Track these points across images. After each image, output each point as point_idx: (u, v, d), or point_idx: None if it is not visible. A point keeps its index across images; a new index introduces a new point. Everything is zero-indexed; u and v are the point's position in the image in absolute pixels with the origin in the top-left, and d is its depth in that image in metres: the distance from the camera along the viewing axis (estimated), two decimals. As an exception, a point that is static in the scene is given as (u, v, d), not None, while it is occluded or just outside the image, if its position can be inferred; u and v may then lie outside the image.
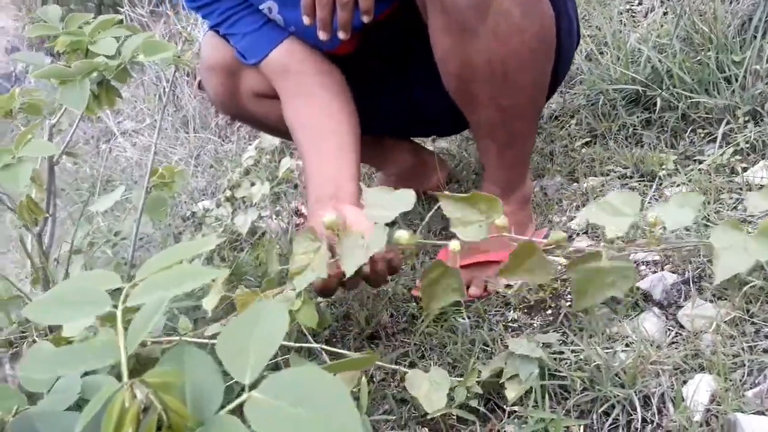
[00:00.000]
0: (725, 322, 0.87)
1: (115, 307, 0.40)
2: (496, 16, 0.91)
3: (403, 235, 0.75)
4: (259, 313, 0.40)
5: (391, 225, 0.74)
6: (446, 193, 0.76)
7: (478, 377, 0.86)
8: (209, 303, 0.79)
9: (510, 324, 1.03)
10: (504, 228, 0.76)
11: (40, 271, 0.81)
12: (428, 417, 0.86)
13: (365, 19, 0.91)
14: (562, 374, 0.85)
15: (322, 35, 0.93)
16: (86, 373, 0.55)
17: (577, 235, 1.22)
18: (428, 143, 1.70)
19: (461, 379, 0.86)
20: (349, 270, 0.71)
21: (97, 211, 1.12)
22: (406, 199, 0.75)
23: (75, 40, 0.71)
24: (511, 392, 0.84)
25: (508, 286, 1.12)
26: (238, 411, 0.36)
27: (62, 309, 0.41)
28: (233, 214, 1.79)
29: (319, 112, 1.05)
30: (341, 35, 0.93)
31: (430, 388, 0.80)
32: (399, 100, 1.33)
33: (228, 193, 1.92)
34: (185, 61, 0.86)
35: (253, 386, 0.36)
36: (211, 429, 0.34)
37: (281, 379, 0.35)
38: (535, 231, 1.23)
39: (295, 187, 1.84)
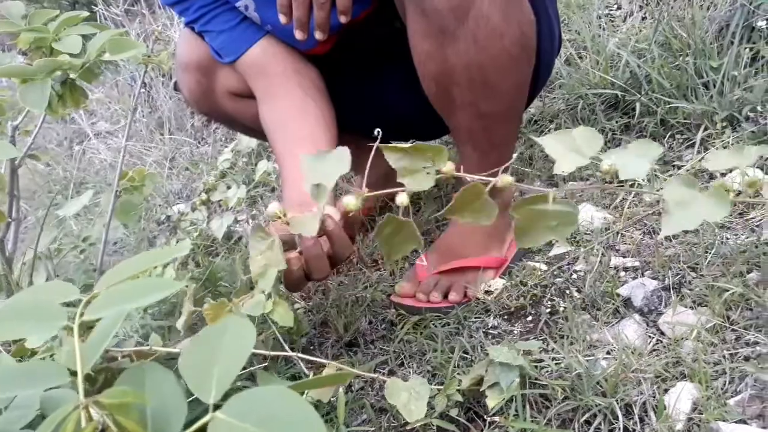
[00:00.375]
0: (706, 329, 0.86)
1: (72, 320, 0.38)
2: (476, 19, 0.89)
3: (350, 200, 0.78)
4: (225, 327, 0.38)
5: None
6: (391, 144, 0.77)
7: (458, 386, 0.84)
8: (180, 324, 0.77)
9: (490, 331, 1.01)
10: (450, 174, 0.76)
11: (1, 278, 0.78)
12: (408, 427, 0.84)
13: (342, 19, 0.89)
14: (542, 383, 0.84)
15: (298, 35, 0.90)
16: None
17: (557, 241, 1.21)
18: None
19: (441, 387, 0.85)
20: (309, 230, 0.72)
21: (66, 215, 1.08)
22: (341, 158, 0.77)
23: (38, 38, 0.68)
24: (492, 401, 0.82)
25: (488, 293, 1.11)
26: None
27: (16, 322, 0.38)
28: (209, 218, 1.76)
29: (296, 113, 1.02)
30: (318, 35, 0.91)
31: (410, 398, 0.78)
32: (374, 102, 1.31)
33: (203, 196, 1.88)
34: (156, 61, 0.83)
35: (218, 406, 0.33)
36: (170, 454, 0.32)
37: (247, 400, 0.33)
38: (513, 240, 1.22)
39: (273, 190, 1.81)
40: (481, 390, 0.84)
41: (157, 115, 2.47)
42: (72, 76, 0.71)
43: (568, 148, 0.76)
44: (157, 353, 0.67)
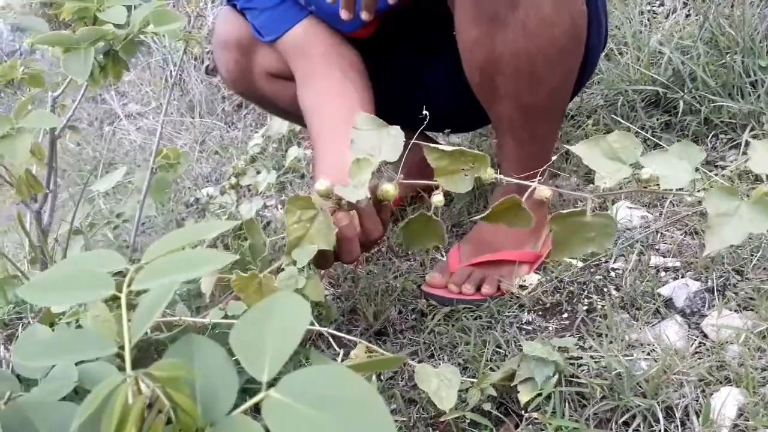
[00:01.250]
0: (753, 333, 0.83)
1: (119, 290, 0.36)
2: (526, 7, 0.87)
3: (389, 188, 0.79)
4: (278, 303, 0.36)
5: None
6: (432, 144, 0.77)
7: (490, 380, 0.82)
8: (205, 285, 0.76)
9: (524, 326, 0.99)
10: (492, 180, 0.75)
11: (37, 250, 0.77)
12: (439, 419, 0.83)
13: (391, 0, 0.87)
14: (580, 381, 0.81)
15: (344, 14, 0.89)
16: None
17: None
18: (440, 138, 1.66)
19: (474, 380, 0.83)
20: (359, 195, 0.73)
21: (98, 191, 1.08)
22: (396, 136, 0.79)
23: (82, 7, 0.67)
24: (524, 396, 0.80)
25: (523, 287, 1.08)
26: (253, 412, 0.32)
27: (61, 290, 0.37)
28: (238, 202, 1.76)
29: (334, 95, 1.00)
30: (364, 16, 0.89)
31: (440, 385, 0.76)
32: (414, 90, 1.28)
33: (233, 180, 1.88)
34: (195, 37, 0.82)
35: (271, 385, 0.32)
36: (223, 430, 0.30)
37: (302, 378, 0.31)
38: (550, 232, 1.19)
39: (302, 177, 1.80)
40: (513, 385, 0.81)
41: (188, 99, 2.47)
42: (115, 47, 0.70)
43: (605, 156, 0.74)
44: (185, 323, 0.66)
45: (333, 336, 0.74)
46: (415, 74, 1.27)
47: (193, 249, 0.38)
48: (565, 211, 0.71)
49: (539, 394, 0.79)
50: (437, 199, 0.78)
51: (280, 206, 1.69)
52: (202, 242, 1.64)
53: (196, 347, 0.34)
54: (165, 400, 0.29)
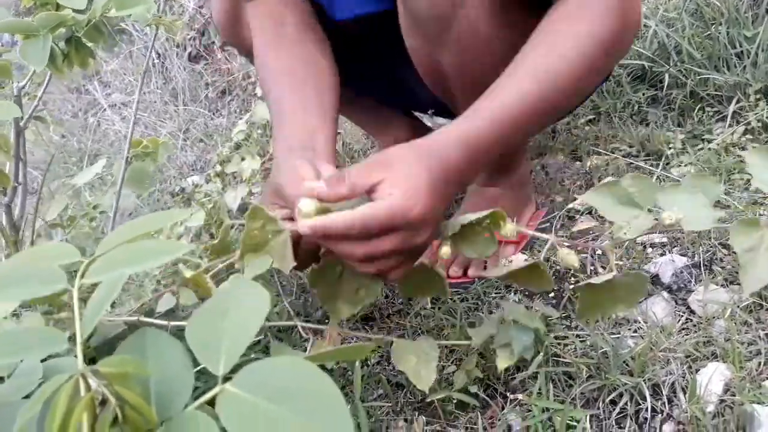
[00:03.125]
0: (739, 308, 0.83)
1: (72, 284, 0.35)
2: (461, 30, 0.85)
3: (306, 205, 0.69)
4: (236, 292, 0.34)
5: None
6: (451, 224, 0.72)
7: (469, 347, 0.80)
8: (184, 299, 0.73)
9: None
10: (513, 235, 0.73)
11: (11, 245, 0.76)
12: (425, 402, 0.82)
13: None
14: (566, 360, 0.81)
15: None
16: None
17: (581, 214, 1.17)
18: (425, 119, 1.64)
19: (461, 362, 0.82)
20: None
21: (79, 184, 1.06)
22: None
23: (43, -7, 0.65)
24: (502, 363, 0.76)
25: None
26: (211, 406, 0.31)
27: (10, 286, 0.36)
28: (224, 190, 1.74)
29: (305, 65, 0.95)
30: None
31: (418, 362, 0.74)
32: (398, 73, 1.26)
33: (218, 168, 1.86)
34: (167, 23, 0.80)
35: (229, 379, 0.31)
36: (176, 428, 0.29)
37: (259, 371, 0.30)
38: (535, 212, 1.18)
39: (288, 162, 1.78)
40: (492, 347, 0.79)
41: (171, 87, 2.44)
42: (77, 33, 0.67)
43: (620, 203, 0.72)
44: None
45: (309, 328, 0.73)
46: (398, 58, 1.25)
47: (153, 239, 0.37)
48: (594, 281, 0.68)
49: (529, 375, 0.79)
50: (444, 251, 0.72)
51: (265, 193, 1.67)
52: (188, 232, 1.62)
53: (149, 341, 0.33)
54: (111, 398, 0.27)
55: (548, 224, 1.16)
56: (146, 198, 1.91)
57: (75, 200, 1.85)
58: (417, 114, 1.52)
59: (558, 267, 1.03)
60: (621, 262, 0.99)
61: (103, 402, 0.30)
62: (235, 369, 0.31)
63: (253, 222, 0.62)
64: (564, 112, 0.99)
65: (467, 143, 0.69)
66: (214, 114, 2.24)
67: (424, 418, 0.82)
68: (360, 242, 0.63)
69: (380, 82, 1.25)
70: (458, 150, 0.69)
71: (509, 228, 0.72)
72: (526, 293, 1.01)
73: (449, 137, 0.70)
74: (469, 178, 0.74)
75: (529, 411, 0.75)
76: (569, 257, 0.73)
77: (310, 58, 0.94)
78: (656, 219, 0.71)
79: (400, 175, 0.64)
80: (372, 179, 0.64)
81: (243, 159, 1.76)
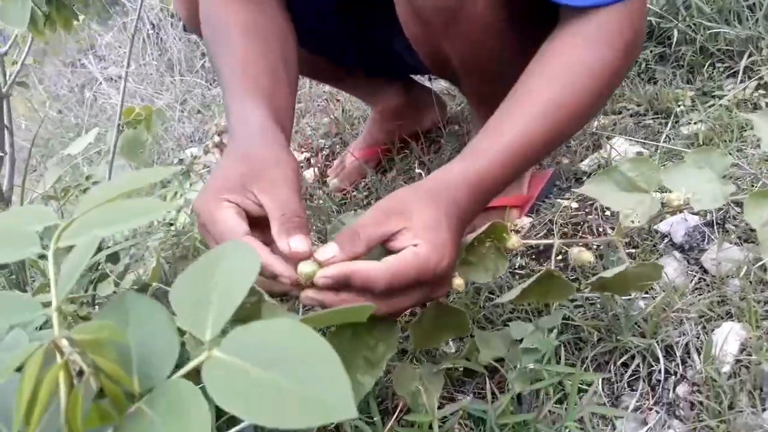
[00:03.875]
0: (755, 266, 0.80)
1: (47, 247, 0.32)
2: (468, 21, 0.80)
3: (460, 283, 0.68)
4: (224, 253, 0.32)
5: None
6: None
7: (477, 360, 0.76)
8: None
9: (517, 271, 0.95)
10: (519, 247, 0.70)
11: (0, 216, 0.73)
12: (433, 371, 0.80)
13: None
14: (576, 324, 0.78)
15: None
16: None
17: (588, 176, 1.14)
18: (426, 83, 1.60)
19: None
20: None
21: (72, 153, 1.03)
22: None
23: (21, -49, 0.61)
24: (518, 386, 0.71)
25: (515, 232, 1.04)
26: (198, 375, 0.28)
27: (-18, 251, 0.33)
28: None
29: (267, 22, 0.85)
30: None
31: (419, 391, 0.71)
32: (392, 38, 1.21)
33: (216, 139, 1.82)
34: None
35: (216, 344, 0.28)
36: (159, 398, 0.27)
37: (250, 335, 0.27)
38: (538, 171, 1.14)
39: (287, 131, 1.75)
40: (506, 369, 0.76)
41: (166, 57, 2.39)
42: (58, -8, 0.64)
43: (621, 189, 0.69)
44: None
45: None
46: (392, 22, 1.20)
47: (134, 199, 0.34)
48: (606, 275, 0.65)
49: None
50: (458, 284, 0.67)
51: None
52: (188, 203, 1.60)
53: (131, 306, 0.31)
54: (85, 367, 0.25)
55: (554, 188, 1.13)
56: (135, 165, 1.88)
57: (70, 172, 1.83)
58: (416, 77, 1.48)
59: (565, 230, 1.00)
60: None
61: (82, 373, 0.28)
62: (225, 334, 0.29)
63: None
64: (569, 138, 0.94)
65: (476, 184, 0.65)
66: (210, 84, 2.20)
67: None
68: (383, 299, 0.57)
69: (372, 53, 1.21)
70: (466, 192, 0.65)
71: (514, 240, 0.69)
72: (533, 256, 0.98)
73: (456, 179, 0.65)
74: (477, 214, 0.70)
75: (540, 379, 0.73)
76: (582, 255, 0.71)
77: (272, 18, 0.86)
78: (663, 201, 0.69)
79: (420, 224, 0.59)
80: (389, 229, 0.59)
81: (241, 128, 1.72)
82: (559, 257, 0.95)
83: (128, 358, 0.29)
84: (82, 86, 2.95)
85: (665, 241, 0.90)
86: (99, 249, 0.94)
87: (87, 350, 0.26)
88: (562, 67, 0.70)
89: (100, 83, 2.58)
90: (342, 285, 0.55)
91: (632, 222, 0.68)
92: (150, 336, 0.30)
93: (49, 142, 2.61)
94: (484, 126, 0.71)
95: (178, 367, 0.29)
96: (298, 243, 0.57)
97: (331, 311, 0.31)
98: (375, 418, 0.67)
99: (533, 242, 0.81)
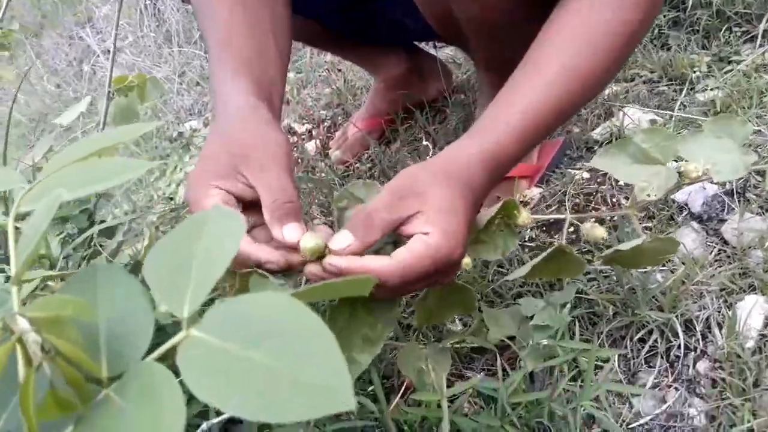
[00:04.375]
0: (779, 236, 0.76)
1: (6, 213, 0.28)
2: None
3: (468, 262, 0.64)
4: (206, 219, 0.28)
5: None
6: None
7: (486, 338, 0.73)
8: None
9: (527, 243, 0.91)
10: (529, 223, 0.66)
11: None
12: (440, 345, 0.76)
13: None
14: (590, 298, 0.75)
15: None
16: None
17: (600, 146, 1.10)
18: (430, 49, 1.54)
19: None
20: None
21: (63, 123, 0.99)
22: None
23: None
24: (531, 363, 0.69)
25: (524, 203, 1.00)
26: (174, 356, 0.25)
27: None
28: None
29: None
30: None
31: (425, 371, 0.68)
32: (392, 5, 1.15)
33: (216, 111, 1.78)
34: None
35: (195, 322, 0.24)
36: (130, 384, 0.23)
37: (233, 311, 0.24)
38: (548, 141, 1.10)
39: (287, 103, 1.70)
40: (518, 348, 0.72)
41: (164, 29, 2.33)
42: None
43: (635, 162, 0.65)
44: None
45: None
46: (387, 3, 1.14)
47: (108, 158, 0.30)
48: (623, 247, 0.62)
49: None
50: (466, 263, 0.64)
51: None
52: (188, 177, 1.56)
53: (102, 280, 0.27)
54: (36, 349, 0.21)
55: (565, 157, 1.08)
56: (144, 145, 1.84)
57: (67, 145, 1.79)
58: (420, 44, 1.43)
59: (577, 201, 0.96)
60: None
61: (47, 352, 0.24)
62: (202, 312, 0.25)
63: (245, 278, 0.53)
64: (585, 105, 0.88)
65: (490, 161, 0.61)
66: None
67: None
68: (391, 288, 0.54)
69: (368, 21, 1.16)
70: (482, 169, 0.60)
71: (524, 216, 0.65)
72: (544, 228, 0.94)
73: (470, 156, 0.61)
74: (488, 193, 0.65)
75: (553, 356, 0.69)
76: (595, 231, 0.67)
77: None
78: (681, 172, 0.65)
79: (435, 208, 0.55)
80: (404, 213, 0.55)
81: (241, 100, 1.68)
82: (571, 229, 0.91)
83: (96, 339, 0.25)
84: (80, 60, 2.90)
85: (683, 213, 0.86)
86: (92, 223, 0.90)
87: (44, 330, 0.22)
88: (576, 30, 0.65)
89: (98, 56, 2.53)
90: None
91: (648, 195, 0.64)
92: (122, 313, 0.26)
93: (48, 116, 2.56)
94: (496, 96, 0.66)
95: (155, 347, 0.26)
96: (291, 232, 0.54)
97: (328, 283, 0.27)
98: (380, 396, 0.64)
99: (544, 218, 0.77)
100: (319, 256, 0.53)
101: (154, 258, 0.27)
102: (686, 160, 0.65)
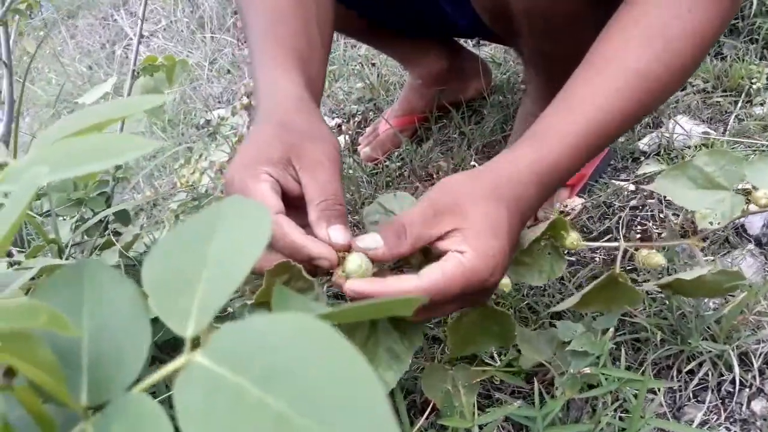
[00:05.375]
0: None
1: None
2: None
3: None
4: (225, 212, 0.23)
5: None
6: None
7: (515, 365, 0.67)
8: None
9: (567, 258, 0.85)
10: (580, 247, 0.60)
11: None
12: (466, 359, 0.71)
13: None
14: (635, 321, 0.69)
15: None
16: None
17: (646, 157, 1.03)
18: (471, 47, 1.49)
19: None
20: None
21: (86, 103, 0.95)
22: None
23: None
24: (569, 392, 0.63)
25: (564, 213, 0.94)
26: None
27: None
28: (250, 122, 1.62)
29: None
30: None
31: (453, 391, 0.62)
32: (431, 8, 1.09)
33: (244, 100, 1.74)
34: None
35: (200, 344, 0.19)
36: (112, 419, 0.18)
37: (249, 334, 0.19)
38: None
39: (318, 95, 1.65)
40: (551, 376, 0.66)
41: (198, 14, 2.30)
42: None
43: (697, 187, 0.60)
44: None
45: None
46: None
47: (108, 133, 0.25)
48: (686, 276, 0.56)
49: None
50: (504, 283, 0.59)
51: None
52: (212, 165, 1.52)
53: (89, 280, 0.22)
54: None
55: (608, 167, 1.02)
56: (170, 131, 1.81)
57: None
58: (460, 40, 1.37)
59: (621, 214, 0.89)
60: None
61: (11, 373, 0.19)
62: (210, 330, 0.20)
63: (274, 278, 0.48)
64: (651, 113, 0.82)
65: (541, 175, 0.55)
66: (242, 44, 2.11)
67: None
68: (425, 309, 0.50)
69: (412, 10, 1.10)
70: (534, 183, 0.54)
71: (574, 238, 0.59)
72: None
73: (520, 169, 0.54)
74: (538, 209, 0.60)
75: (593, 382, 0.63)
76: (652, 259, 0.61)
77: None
78: (748, 200, 0.59)
79: (475, 228, 0.50)
80: (439, 230, 0.50)
81: (271, 90, 1.63)
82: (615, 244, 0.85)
83: (77, 357, 0.20)
84: (113, 42, 2.89)
85: (739, 235, 0.80)
86: (109, 207, 0.86)
87: (6, 347, 0.17)
88: (646, 29, 0.58)
89: (131, 39, 2.50)
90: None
91: (710, 223, 0.58)
92: (112, 326, 0.21)
93: (73, 96, 2.55)
94: (554, 101, 0.60)
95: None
96: (338, 234, 0.50)
97: (366, 304, 0.22)
98: (403, 417, 0.59)
99: (595, 245, 0.70)
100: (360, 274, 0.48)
101: (155, 260, 0.22)
102: (754, 187, 0.59)
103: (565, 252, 0.61)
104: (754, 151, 0.96)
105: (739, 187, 0.60)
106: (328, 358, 0.18)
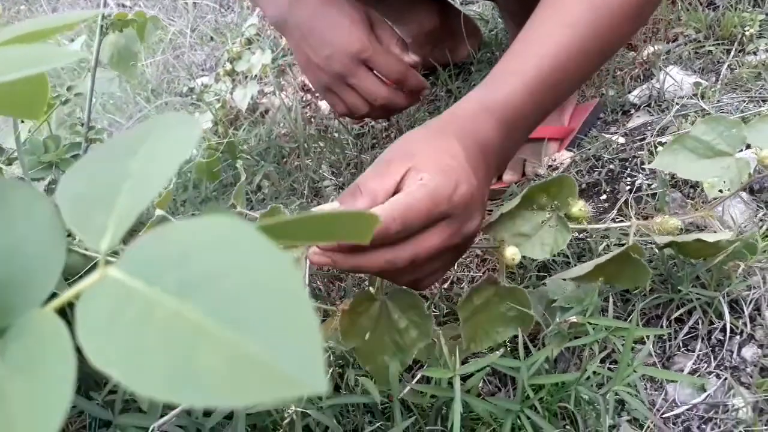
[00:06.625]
0: (843, 210, 0.67)
1: None
2: None
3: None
4: (151, 128, 0.21)
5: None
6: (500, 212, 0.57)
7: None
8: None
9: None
10: (585, 217, 0.58)
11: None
12: (451, 315, 0.69)
13: None
14: (624, 271, 0.67)
15: None
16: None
17: (637, 109, 1.01)
18: (458, 4, 1.45)
19: (492, 272, 0.68)
20: None
21: (57, 67, 0.91)
22: None
23: None
24: (557, 348, 0.61)
25: (553, 168, 0.92)
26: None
27: None
28: (233, 89, 1.59)
29: None
30: None
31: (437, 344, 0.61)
32: None
33: (228, 66, 1.71)
34: None
35: (115, 257, 0.17)
36: (15, 341, 0.16)
37: (165, 242, 0.16)
38: (579, 105, 1.01)
39: (303, 59, 1.61)
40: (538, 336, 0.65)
41: (180, -19, 2.25)
42: None
43: (699, 156, 0.58)
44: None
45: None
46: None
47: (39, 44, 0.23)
48: (707, 238, 0.55)
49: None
50: (511, 253, 0.56)
51: (278, 92, 1.51)
52: (196, 145, 1.50)
53: (1, 197, 0.20)
54: None
55: (598, 121, 1.00)
56: (153, 100, 1.78)
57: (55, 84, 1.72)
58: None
59: (611, 167, 0.87)
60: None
61: None
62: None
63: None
64: (614, 52, 0.80)
65: (497, 113, 0.54)
66: (224, 9, 2.06)
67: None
68: (403, 244, 0.47)
69: None
70: (491, 122, 0.53)
71: (581, 206, 0.57)
72: (573, 195, 0.86)
73: (471, 108, 0.53)
74: (509, 155, 0.59)
75: (577, 334, 0.62)
76: (668, 222, 0.59)
77: None
78: (759, 159, 0.58)
79: (426, 158, 0.49)
80: (393, 177, 0.48)
81: (254, 54, 1.60)
82: (608, 189, 0.83)
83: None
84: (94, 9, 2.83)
85: (730, 181, 0.78)
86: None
87: None
88: None
89: (111, 8, 2.45)
90: (348, 248, 0.47)
91: (720, 192, 0.57)
92: (22, 246, 0.19)
93: (63, 71, 2.50)
94: (511, 45, 0.59)
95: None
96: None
97: (313, 215, 0.19)
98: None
99: (602, 226, 0.67)
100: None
101: (74, 175, 0.20)
102: (759, 147, 0.58)
103: (572, 223, 0.59)
104: (745, 100, 0.94)
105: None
106: (251, 264, 0.16)
